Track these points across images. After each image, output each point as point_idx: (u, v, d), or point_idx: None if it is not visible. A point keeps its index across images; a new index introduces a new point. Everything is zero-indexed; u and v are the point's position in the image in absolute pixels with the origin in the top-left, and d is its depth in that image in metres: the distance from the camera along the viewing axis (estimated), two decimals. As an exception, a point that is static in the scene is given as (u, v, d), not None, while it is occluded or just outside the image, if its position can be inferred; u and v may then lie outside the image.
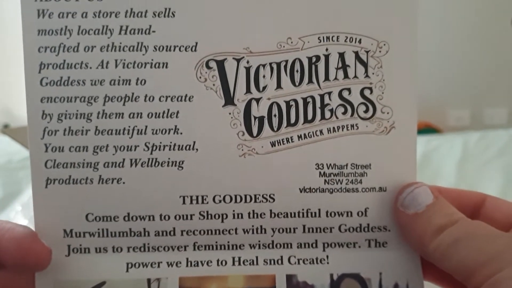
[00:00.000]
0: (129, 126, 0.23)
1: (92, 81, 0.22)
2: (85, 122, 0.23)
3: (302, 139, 0.23)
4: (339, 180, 0.24)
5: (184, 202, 0.23)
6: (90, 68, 0.22)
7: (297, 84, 0.23)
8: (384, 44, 0.23)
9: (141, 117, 0.23)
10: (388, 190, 0.24)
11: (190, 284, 0.23)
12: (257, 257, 0.23)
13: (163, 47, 0.23)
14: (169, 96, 0.23)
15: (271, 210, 0.23)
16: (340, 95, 0.23)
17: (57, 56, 0.22)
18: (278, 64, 0.23)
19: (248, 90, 0.23)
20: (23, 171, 0.98)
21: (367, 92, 0.24)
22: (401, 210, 0.23)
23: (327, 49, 0.23)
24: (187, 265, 0.23)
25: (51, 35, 0.22)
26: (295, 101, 0.23)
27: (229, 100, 0.23)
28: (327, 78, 0.23)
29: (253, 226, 0.23)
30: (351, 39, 0.23)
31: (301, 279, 0.23)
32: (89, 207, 0.23)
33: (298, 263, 0.23)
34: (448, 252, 0.20)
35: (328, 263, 0.24)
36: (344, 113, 0.24)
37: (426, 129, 1.70)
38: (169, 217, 0.23)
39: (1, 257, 0.21)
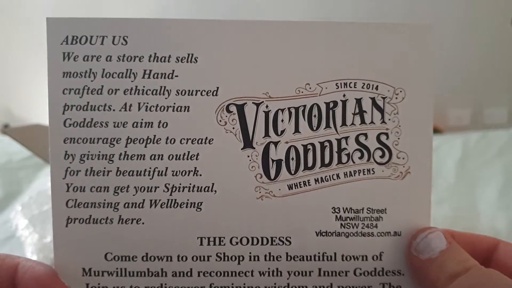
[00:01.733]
0: (150, 168, 0.23)
1: (115, 123, 0.23)
2: (107, 163, 0.23)
3: (319, 183, 0.24)
4: (355, 224, 0.24)
5: (201, 243, 0.23)
6: (113, 110, 0.23)
7: (314, 128, 0.24)
8: (401, 91, 0.24)
9: (162, 159, 0.23)
10: (403, 234, 0.24)
11: None
12: None
13: (185, 91, 0.23)
14: (190, 139, 0.23)
15: (287, 253, 0.24)
16: (356, 140, 0.24)
17: (81, 98, 0.23)
18: (297, 109, 0.24)
19: (267, 134, 0.24)
20: (23, 171, 0.98)
21: (383, 138, 0.24)
22: (415, 255, 0.23)
23: (344, 95, 0.24)
24: None
25: (76, 77, 0.23)
26: (313, 145, 0.24)
27: (248, 143, 0.23)
28: (344, 123, 0.24)
29: (269, 268, 0.24)
30: (368, 86, 0.24)
31: None
32: (109, 247, 0.23)
33: None
34: None
35: None
36: (361, 157, 0.24)
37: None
38: (186, 258, 0.23)
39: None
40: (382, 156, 0.24)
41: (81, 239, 0.23)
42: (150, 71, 0.23)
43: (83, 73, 0.23)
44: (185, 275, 0.23)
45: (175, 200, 0.23)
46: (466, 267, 0.21)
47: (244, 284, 0.24)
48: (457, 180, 0.90)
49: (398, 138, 0.24)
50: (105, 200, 0.23)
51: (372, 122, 0.24)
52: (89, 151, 0.23)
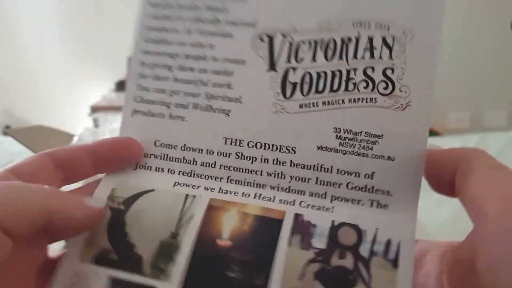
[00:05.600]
0: (197, 79, 0.30)
1: (178, 43, 0.30)
2: (168, 72, 0.30)
3: (325, 105, 0.28)
4: (352, 144, 0.27)
5: (225, 143, 0.29)
6: (179, 33, 0.30)
7: (329, 59, 0.28)
8: (410, 31, 0.27)
9: (206, 73, 0.30)
10: (396, 160, 0.27)
11: (216, 204, 0.28)
12: (274, 196, 0.28)
13: (232, 22, 0.29)
14: (229, 59, 0.29)
15: (291, 160, 0.28)
16: (364, 72, 0.27)
17: (158, 21, 0.31)
18: (316, 41, 0.28)
19: (288, 60, 0.29)
20: (24, 170, 1.05)
21: (389, 72, 0.27)
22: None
23: (358, 33, 0.28)
24: (218, 191, 0.29)
25: (155, 7, 0.31)
26: (325, 72, 0.28)
27: (272, 66, 0.29)
28: (355, 56, 0.28)
29: (275, 171, 0.28)
30: (381, 26, 0.27)
31: (306, 219, 0.27)
32: (158, 135, 0.30)
33: (307, 207, 0.27)
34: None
35: (332, 212, 0.27)
36: (366, 87, 0.27)
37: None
38: (213, 152, 0.29)
39: (99, 154, 0.28)
40: (385, 88, 0.27)
41: (140, 127, 0.30)
42: (210, 6, 0.30)
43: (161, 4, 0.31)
44: (210, 166, 0.29)
45: (211, 105, 0.29)
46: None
47: (254, 180, 0.29)
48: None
49: (403, 74, 0.27)
50: (161, 99, 0.30)
51: (380, 57, 0.27)
52: (157, 62, 0.31)
